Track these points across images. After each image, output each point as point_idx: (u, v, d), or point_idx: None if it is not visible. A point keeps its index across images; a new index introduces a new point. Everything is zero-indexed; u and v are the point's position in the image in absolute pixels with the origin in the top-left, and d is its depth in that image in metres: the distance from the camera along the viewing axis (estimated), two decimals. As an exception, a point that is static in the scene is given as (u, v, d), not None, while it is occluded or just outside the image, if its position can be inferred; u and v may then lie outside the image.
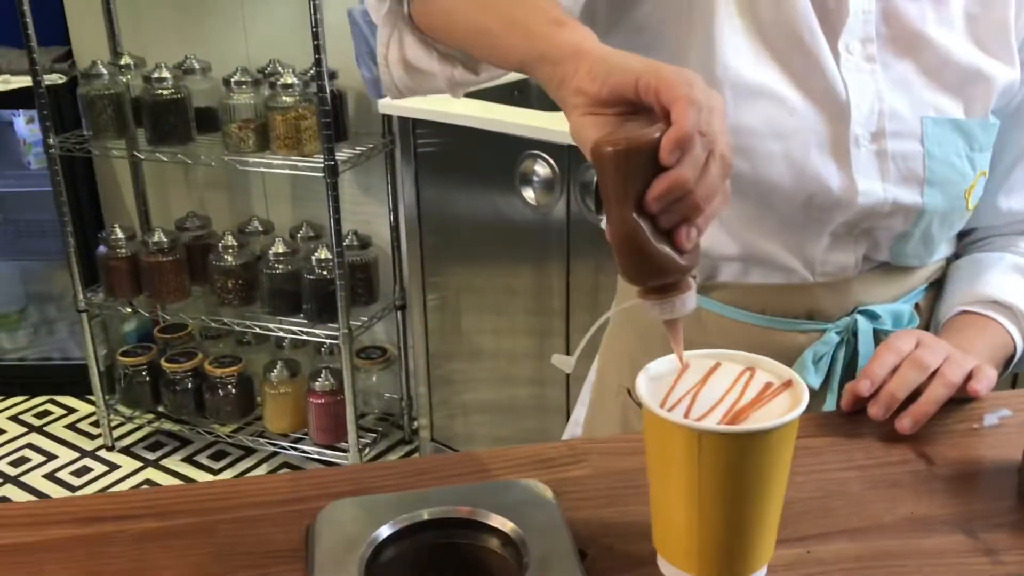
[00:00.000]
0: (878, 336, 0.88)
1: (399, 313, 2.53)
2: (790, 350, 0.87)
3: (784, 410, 0.58)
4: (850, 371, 0.88)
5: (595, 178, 1.81)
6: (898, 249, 0.87)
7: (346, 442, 2.39)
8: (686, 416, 0.58)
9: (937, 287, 0.95)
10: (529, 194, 1.95)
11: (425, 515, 0.68)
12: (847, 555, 0.65)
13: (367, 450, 2.52)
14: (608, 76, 0.58)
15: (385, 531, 0.66)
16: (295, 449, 2.48)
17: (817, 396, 0.88)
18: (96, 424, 2.72)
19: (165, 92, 2.26)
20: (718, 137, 0.56)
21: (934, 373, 0.77)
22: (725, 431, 0.56)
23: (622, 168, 0.55)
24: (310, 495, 0.72)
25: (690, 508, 0.59)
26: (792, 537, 0.66)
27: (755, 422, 0.57)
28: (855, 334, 0.88)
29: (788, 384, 0.61)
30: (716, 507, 0.58)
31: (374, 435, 2.57)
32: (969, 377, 0.78)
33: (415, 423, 2.56)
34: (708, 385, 0.61)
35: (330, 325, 2.29)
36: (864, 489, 0.72)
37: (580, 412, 1.09)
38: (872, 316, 0.88)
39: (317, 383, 2.39)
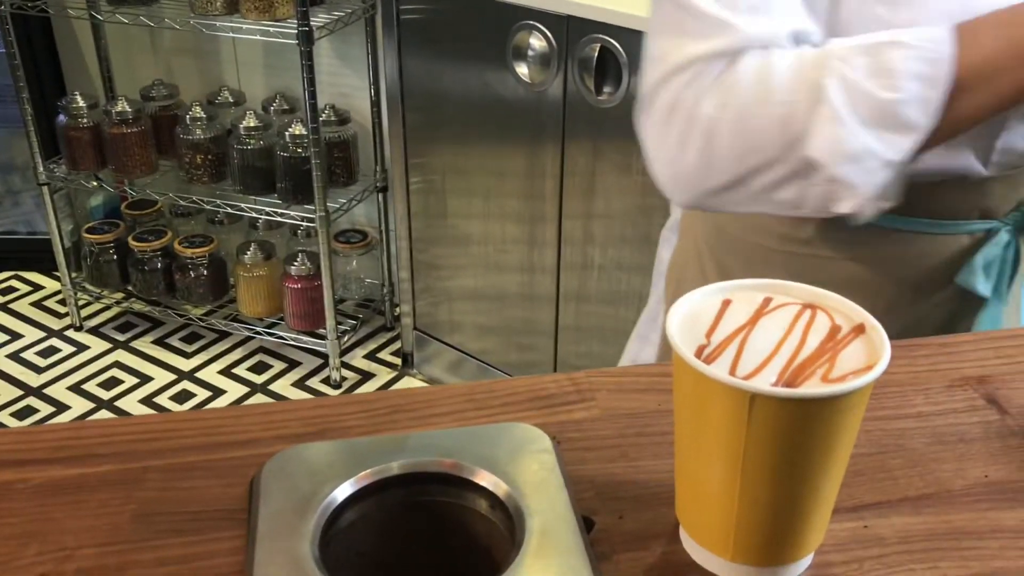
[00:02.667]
0: None
1: (380, 195, 2.38)
2: (954, 256, 0.75)
3: (856, 364, 0.45)
4: (1015, 273, 0.76)
5: (595, 55, 1.65)
6: None
7: (324, 328, 2.28)
8: (733, 369, 0.45)
9: None
10: (523, 70, 1.78)
11: (396, 468, 0.56)
12: (912, 532, 0.53)
13: (346, 337, 2.41)
14: None
15: (347, 489, 0.54)
16: (271, 334, 2.37)
17: (983, 306, 0.75)
18: (63, 303, 2.60)
19: (123, -56, 2.04)
20: None
21: None
22: (784, 395, 0.43)
23: None
24: (258, 436, 0.60)
25: (730, 482, 0.46)
26: (845, 506, 0.54)
27: (821, 382, 0.44)
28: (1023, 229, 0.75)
29: (860, 329, 0.48)
30: (764, 482, 0.46)
31: (354, 322, 2.45)
32: None
33: (397, 310, 2.45)
34: (759, 327, 0.48)
35: (306, 206, 2.14)
36: (926, 445, 0.60)
37: (637, 350, 0.95)
38: None
39: (293, 267, 2.26)
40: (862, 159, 0.63)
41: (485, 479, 0.55)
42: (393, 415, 0.62)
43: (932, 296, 0.77)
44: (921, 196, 0.72)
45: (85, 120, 2.27)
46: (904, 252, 0.75)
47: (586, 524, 0.53)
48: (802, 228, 0.77)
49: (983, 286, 0.75)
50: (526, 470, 0.56)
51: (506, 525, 0.54)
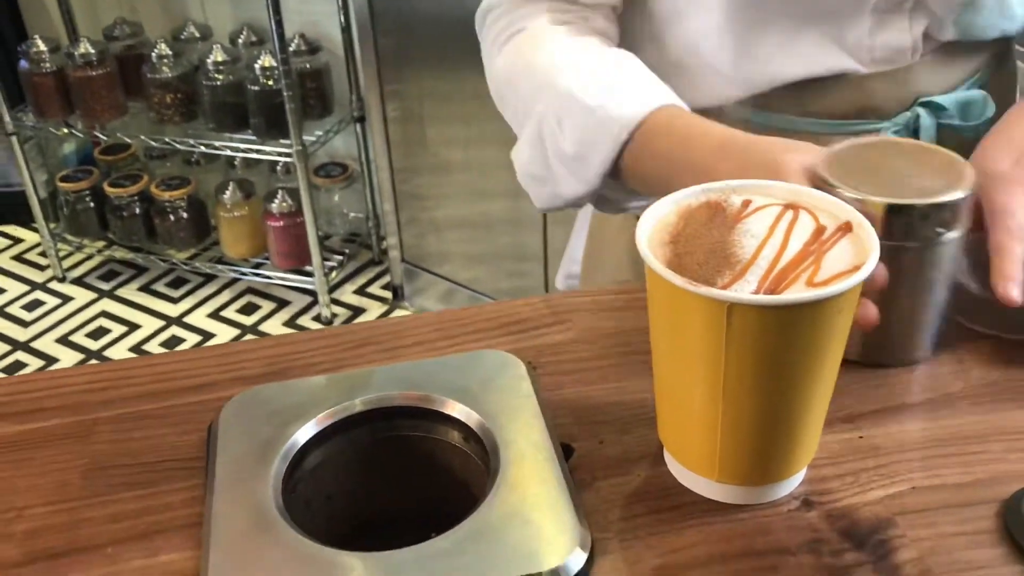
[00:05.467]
0: (942, 132, 0.71)
1: (358, 125, 2.32)
2: None
3: (843, 264, 0.42)
4: None
5: None
6: (967, 20, 0.68)
7: (311, 265, 2.24)
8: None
9: (1005, 58, 0.77)
10: (495, -16, 1.70)
11: (359, 405, 0.52)
12: (910, 440, 0.50)
13: (334, 273, 2.38)
14: None
15: (309, 430, 0.51)
16: (257, 275, 2.33)
17: None
18: (44, 255, 2.55)
19: None
20: None
21: None
22: (765, 303, 0.40)
23: None
24: (215, 379, 0.56)
25: (712, 399, 0.43)
26: (837, 416, 0.51)
27: (806, 286, 0.41)
28: (916, 133, 0.70)
29: (847, 228, 0.44)
30: (748, 398, 0.43)
31: (341, 257, 2.41)
32: None
33: (384, 243, 2.40)
34: (738, 232, 0.44)
35: (282, 141, 2.08)
36: (923, 347, 0.56)
37: (577, 246, 0.92)
38: (936, 108, 0.70)
39: (274, 204, 2.20)
40: (536, 184, 0.73)
41: (456, 410, 0.52)
42: (359, 349, 0.58)
43: None
44: (802, 95, 0.69)
45: (48, 65, 2.19)
46: None
47: (565, 451, 0.50)
48: None
49: None
50: (500, 398, 0.53)
51: (481, 456, 0.51)
